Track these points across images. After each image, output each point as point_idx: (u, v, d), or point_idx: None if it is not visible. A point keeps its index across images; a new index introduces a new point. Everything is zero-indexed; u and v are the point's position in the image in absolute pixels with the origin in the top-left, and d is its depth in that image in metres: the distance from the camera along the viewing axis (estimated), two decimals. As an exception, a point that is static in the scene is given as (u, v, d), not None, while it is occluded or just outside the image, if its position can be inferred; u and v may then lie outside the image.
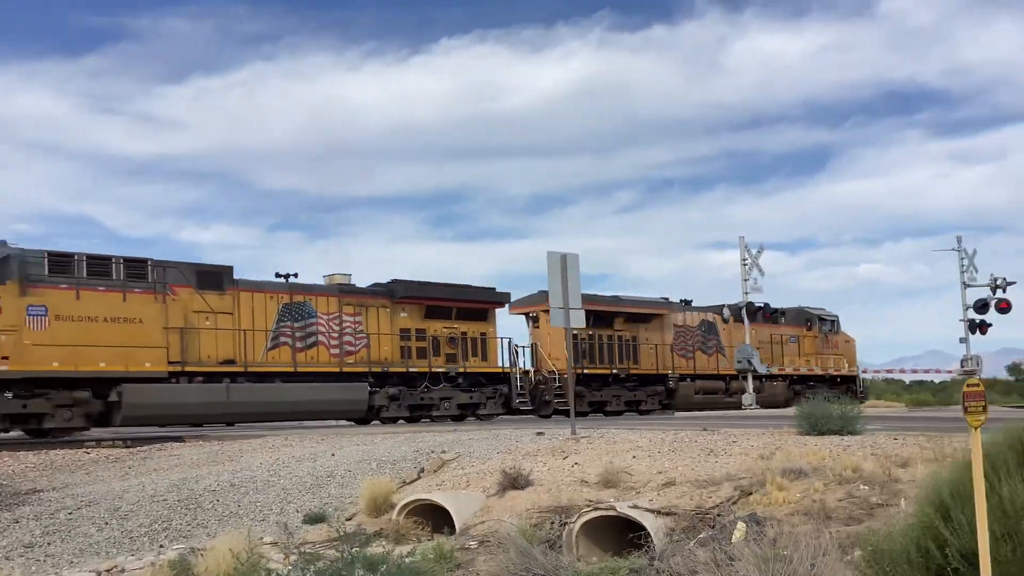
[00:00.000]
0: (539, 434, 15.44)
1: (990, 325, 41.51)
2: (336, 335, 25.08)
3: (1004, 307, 39.25)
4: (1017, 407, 36.84)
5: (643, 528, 8.77)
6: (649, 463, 11.42)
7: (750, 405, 33.09)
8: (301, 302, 24.55)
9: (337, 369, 24.79)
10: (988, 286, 39.68)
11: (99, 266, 20.86)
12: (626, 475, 10.82)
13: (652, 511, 9.16)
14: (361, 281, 26.65)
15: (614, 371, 31.58)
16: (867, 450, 10.78)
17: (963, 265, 40.10)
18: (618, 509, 9.12)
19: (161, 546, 11.07)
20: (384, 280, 26.90)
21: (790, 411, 18.85)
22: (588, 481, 10.88)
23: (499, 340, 28.61)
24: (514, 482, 11.01)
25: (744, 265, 35.02)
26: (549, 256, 15.89)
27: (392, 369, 25.67)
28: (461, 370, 26.98)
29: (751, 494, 9.25)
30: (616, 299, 32.49)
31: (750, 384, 34.05)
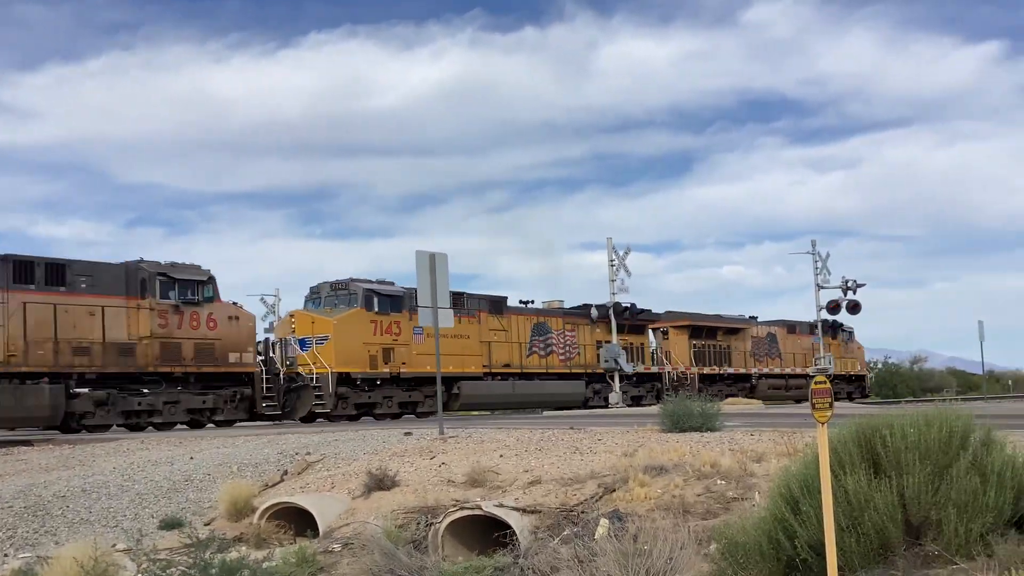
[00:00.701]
0: (407, 434, 15.34)
1: (841, 325, 43.52)
2: (563, 346, 34.09)
3: (854, 308, 41.20)
4: (871, 403, 38.71)
5: (509, 526, 8.81)
6: (516, 462, 11.48)
7: (616, 404, 33.69)
8: (543, 322, 33.53)
9: (566, 370, 33.83)
10: (840, 288, 41.57)
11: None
12: (493, 474, 10.85)
13: (518, 509, 9.22)
14: (570, 301, 36.23)
15: (719, 371, 40.40)
16: (725, 446, 11.11)
17: (817, 268, 41.90)
18: (484, 508, 9.14)
19: (5, 555, 10.51)
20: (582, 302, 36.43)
21: (654, 409, 19.30)
22: (455, 481, 10.86)
23: (651, 347, 39.09)
24: (380, 483, 10.90)
25: (612, 266, 35.68)
26: (418, 255, 15.81)
27: (594, 371, 34.77)
28: (635, 370, 35.97)
29: (614, 491, 9.41)
30: (718, 317, 42.26)
31: (616, 384, 34.69)
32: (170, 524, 11.12)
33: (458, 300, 28.27)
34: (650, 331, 38.93)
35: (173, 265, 23.47)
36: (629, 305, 36.11)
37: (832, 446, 6.26)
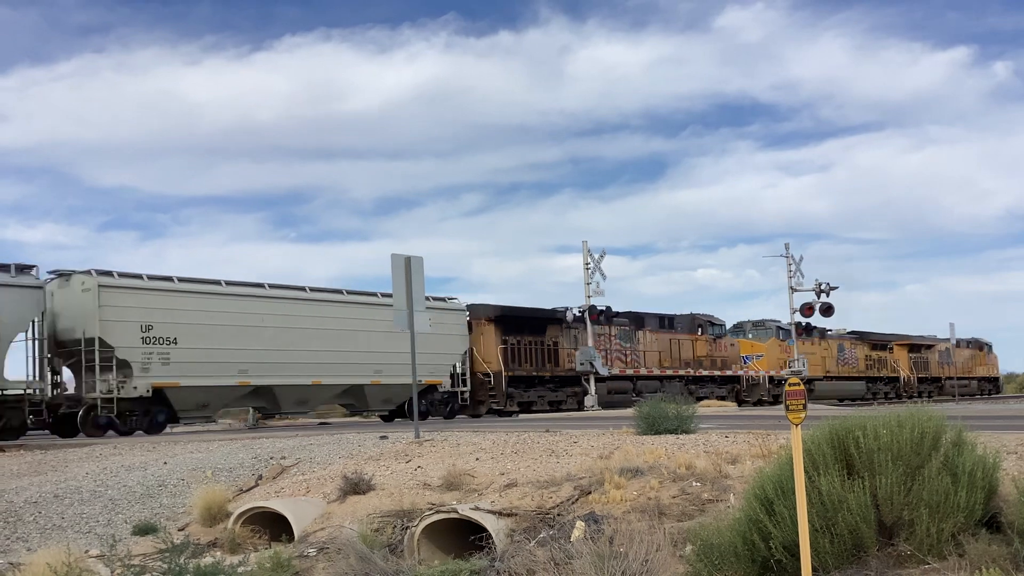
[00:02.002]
0: (383, 438, 15.30)
1: (815, 327, 43.76)
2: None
3: (827, 310, 41.43)
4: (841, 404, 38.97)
5: (485, 530, 8.80)
6: (492, 465, 11.48)
7: (592, 407, 33.74)
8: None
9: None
10: (813, 290, 41.80)
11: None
12: (469, 477, 10.84)
13: (494, 512, 9.21)
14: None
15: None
16: (700, 448, 11.16)
17: (791, 270, 42.10)
18: (460, 511, 9.13)
19: (-25, 563, 10.38)
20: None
21: (629, 412, 19.36)
22: (431, 484, 10.85)
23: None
24: (356, 487, 10.86)
25: (587, 269, 35.72)
26: (393, 258, 15.77)
27: None
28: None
29: (590, 493, 9.43)
30: (893, 335, 54.20)
31: (592, 386, 34.75)
32: (144, 530, 11.02)
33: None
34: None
35: (710, 315, 43.00)
36: (604, 308, 36.19)
37: (806, 447, 6.31)
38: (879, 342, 53.06)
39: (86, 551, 9.61)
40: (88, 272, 22.96)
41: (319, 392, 27.73)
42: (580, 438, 13.23)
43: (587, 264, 35.74)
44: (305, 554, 9.35)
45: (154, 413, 23.78)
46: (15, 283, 21.75)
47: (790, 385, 6.00)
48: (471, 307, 32.77)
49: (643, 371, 38.06)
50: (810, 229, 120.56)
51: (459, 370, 31.48)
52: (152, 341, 23.45)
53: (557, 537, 8.17)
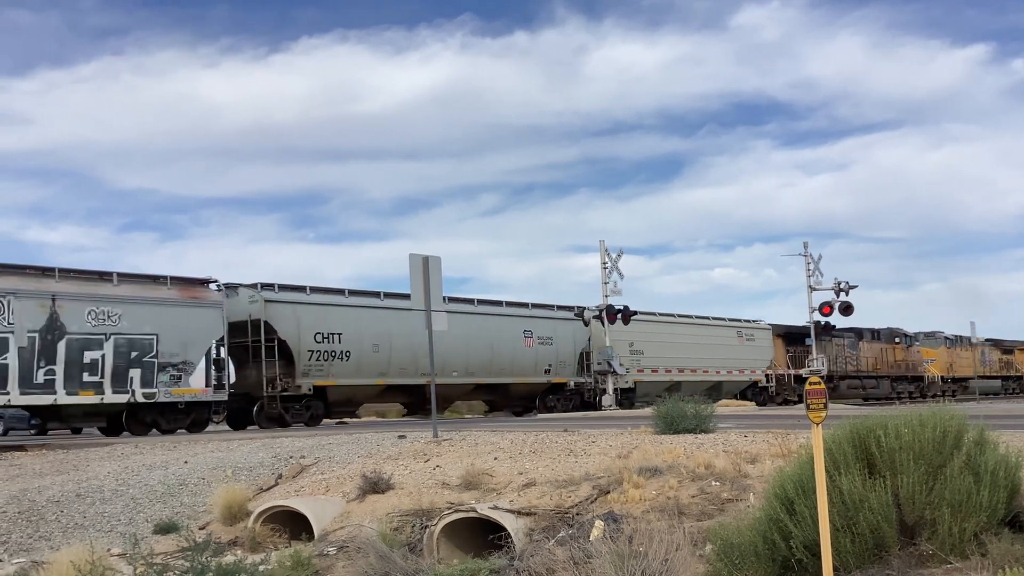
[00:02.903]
0: (401, 437, 15.34)
1: (835, 327, 43.56)
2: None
3: (846, 309, 41.23)
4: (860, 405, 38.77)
5: (504, 529, 8.81)
6: (510, 464, 11.49)
7: (610, 406, 33.70)
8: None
9: None
10: (832, 289, 41.59)
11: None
12: (487, 477, 10.85)
13: (512, 512, 9.22)
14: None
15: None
16: (719, 447, 11.13)
17: (809, 269, 41.92)
18: (479, 511, 9.14)
19: (0, 560, 10.47)
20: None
21: (647, 411, 19.34)
22: (450, 483, 10.86)
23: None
24: (375, 486, 10.89)
25: (604, 268, 35.68)
26: (411, 258, 15.81)
27: None
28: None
29: (609, 493, 9.42)
30: (1017, 342, 62.07)
31: (610, 385, 34.70)
32: (165, 528, 11.09)
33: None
34: None
35: (902, 328, 50.87)
36: (622, 308, 36.15)
37: (827, 447, 6.29)
38: (1007, 347, 63.32)
39: (108, 550, 9.68)
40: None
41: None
42: (598, 437, 13.22)
43: (604, 264, 35.71)
44: (325, 553, 9.39)
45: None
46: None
47: (810, 384, 5.98)
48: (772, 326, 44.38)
49: (864, 372, 48.32)
50: (828, 228, 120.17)
51: (768, 371, 42.90)
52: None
53: (576, 536, 8.16)
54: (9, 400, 21.22)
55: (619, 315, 35.69)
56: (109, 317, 22.69)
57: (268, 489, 12.38)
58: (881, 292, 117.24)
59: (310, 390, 26.97)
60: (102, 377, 22.50)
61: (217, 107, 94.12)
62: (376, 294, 30.00)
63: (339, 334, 27.78)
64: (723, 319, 41.64)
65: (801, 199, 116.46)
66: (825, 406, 5.93)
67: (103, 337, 22.58)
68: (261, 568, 7.61)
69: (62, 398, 21.90)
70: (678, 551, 6.60)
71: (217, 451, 15.68)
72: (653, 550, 6.60)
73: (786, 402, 41.70)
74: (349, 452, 14.13)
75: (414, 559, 8.46)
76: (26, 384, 21.23)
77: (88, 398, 22.36)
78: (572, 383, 35.07)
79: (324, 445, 15.06)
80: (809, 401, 5.94)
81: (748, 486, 8.94)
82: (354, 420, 31.87)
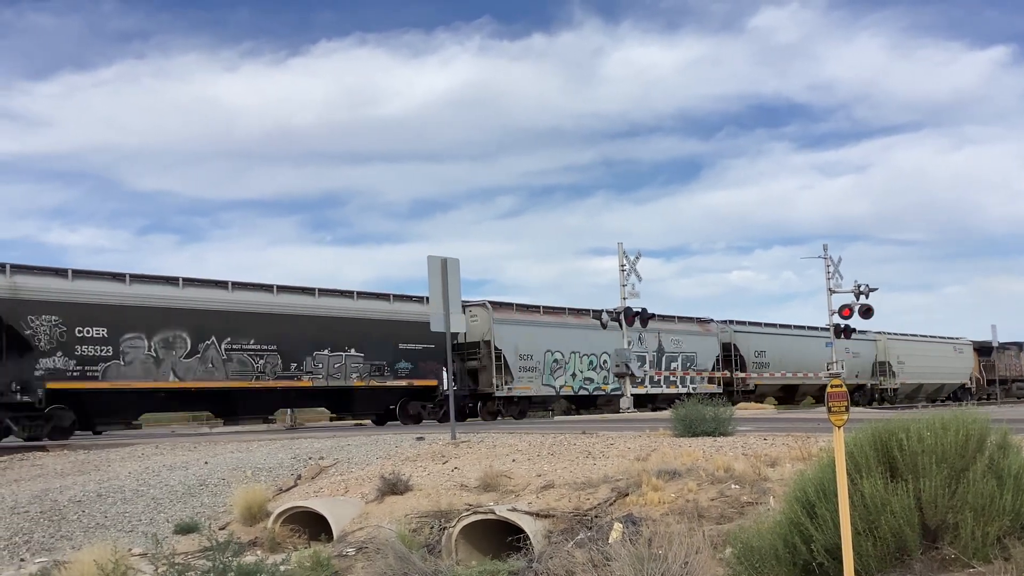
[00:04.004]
0: (419, 439, 15.37)
1: (854, 330, 43.29)
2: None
3: (866, 312, 40.96)
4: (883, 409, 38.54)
5: (522, 531, 8.81)
6: (529, 466, 11.49)
7: (627, 409, 33.62)
8: None
9: None
10: (852, 292, 41.32)
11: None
12: (506, 479, 10.85)
13: (531, 514, 9.22)
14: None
15: None
16: (738, 450, 11.09)
17: (829, 272, 41.67)
18: (497, 512, 9.14)
19: (22, 560, 10.56)
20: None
21: (666, 413, 19.28)
22: (468, 485, 10.87)
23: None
24: (393, 487, 10.91)
25: (623, 271, 35.59)
26: (430, 260, 15.83)
27: None
28: None
29: (628, 495, 9.40)
30: None
31: (627, 388, 34.62)
32: (185, 528, 11.15)
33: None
34: None
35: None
36: (640, 310, 36.04)
37: (848, 450, 6.25)
38: None
39: (129, 549, 9.73)
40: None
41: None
42: (616, 440, 13.20)
43: (623, 266, 35.62)
44: (344, 554, 9.41)
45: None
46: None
47: (832, 387, 5.94)
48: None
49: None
50: (848, 230, 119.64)
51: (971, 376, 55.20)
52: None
53: (595, 539, 8.15)
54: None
55: (637, 317, 35.60)
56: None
57: (287, 490, 12.42)
58: (901, 294, 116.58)
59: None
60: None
61: (237, 110, 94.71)
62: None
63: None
64: (943, 337, 54.74)
65: (820, 201, 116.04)
66: (847, 409, 5.90)
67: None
68: (282, 568, 7.64)
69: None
70: (698, 554, 6.58)
71: (237, 452, 15.76)
72: (673, 553, 6.58)
73: (981, 400, 52.63)
74: (367, 453, 14.17)
75: (433, 560, 8.47)
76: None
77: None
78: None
79: (343, 447, 15.10)
80: (831, 404, 5.91)
81: (768, 489, 8.90)
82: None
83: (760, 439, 12.33)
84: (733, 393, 39.30)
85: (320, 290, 27.74)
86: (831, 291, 41.66)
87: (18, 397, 21.07)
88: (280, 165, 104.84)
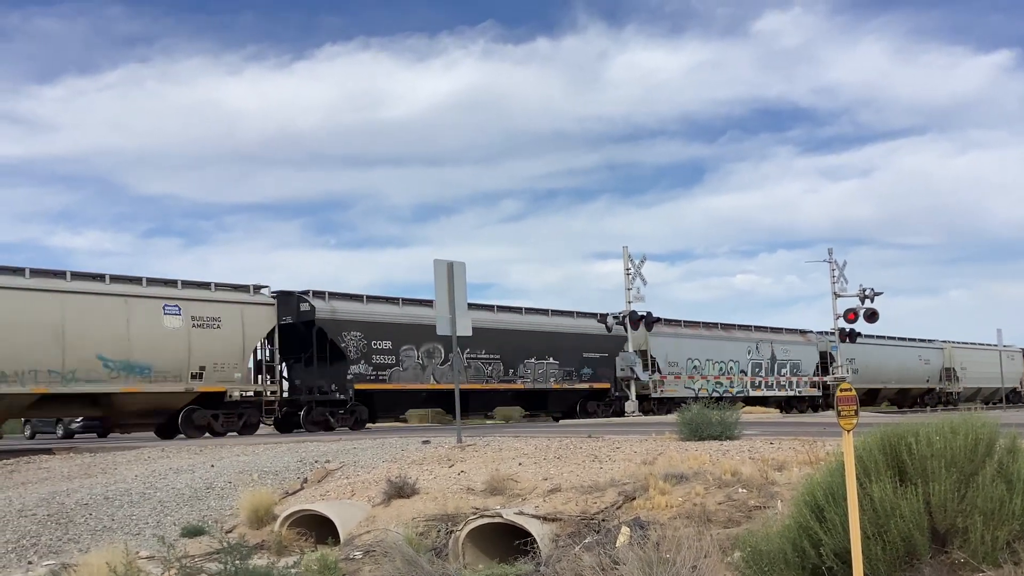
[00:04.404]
0: (425, 442, 15.37)
1: (860, 334, 43.23)
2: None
3: (871, 316, 40.90)
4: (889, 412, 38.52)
5: (529, 534, 8.81)
6: (535, 470, 11.49)
7: (632, 412, 33.61)
8: None
9: None
10: (857, 296, 41.25)
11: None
12: (512, 482, 10.85)
13: (538, 517, 9.22)
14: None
15: None
16: (745, 454, 11.08)
17: (834, 276, 41.61)
18: (504, 516, 9.15)
19: (30, 563, 10.58)
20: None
21: (671, 417, 19.27)
22: (474, 489, 10.88)
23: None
24: (400, 491, 10.92)
25: (628, 275, 35.59)
26: (436, 264, 15.85)
27: None
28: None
29: (635, 499, 9.40)
30: None
31: (633, 391, 34.61)
32: (192, 531, 11.17)
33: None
34: None
35: None
36: (645, 314, 36.05)
37: (857, 454, 6.25)
38: None
39: (137, 552, 9.74)
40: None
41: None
42: (623, 444, 13.19)
43: (628, 270, 35.62)
44: (351, 557, 9.42)
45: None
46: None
47: (841, 391, 5.94)
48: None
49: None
50: (852, 234, 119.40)
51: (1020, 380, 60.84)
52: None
53: (602, 542, 8.15)
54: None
55: (642, 321, 35.60)
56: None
57: (294, 493, 12.43)
58: (906, 299, 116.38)
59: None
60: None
61: (241, 114, 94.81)
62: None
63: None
64: (996, 345, 57.33)
65: (825, 205, 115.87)
66: (856, 413, 5.90)
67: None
68: (292, 572, 7.65)
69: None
70: (706, 558, 6.58)
71: (243, 455, 15.77)
72: (681, 557, 6.58)
73: None
74: (374, 456, 14.18)
75: (440, 564, 8.48)
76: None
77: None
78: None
79: (349, 450, 15.11)
80: (840, 408, 5.91)
81: (776, 493, 8.89)
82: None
83: (766, 443, 12.32)
84: (829, 396, 42.82)
85: (526, 308, 34.09)
86: (836, 295, 41.62)
87: (337, 396, 27.27)
88: (284, 168, 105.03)
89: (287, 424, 27.35)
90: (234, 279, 26.89)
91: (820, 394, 43.91)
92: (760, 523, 7.78)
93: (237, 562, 6.55)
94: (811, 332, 45.76)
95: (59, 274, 22.27)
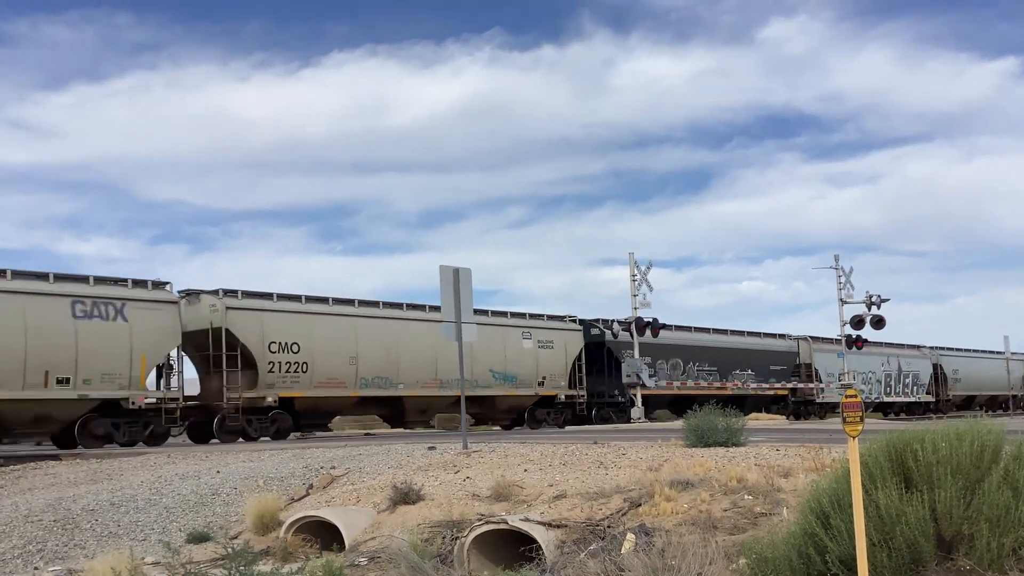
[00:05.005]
0: (431, 448, 15.37)
1: (866, 340, 43.14)
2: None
3: (878, 322, 40.82)
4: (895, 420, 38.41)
5: (535, 541, 8.80)
6: (541, 476, 11.47)
7: (638, 419, 33.57)
8: None
9: None
10: (864, 303, 41.18)
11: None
12: (518, 488, 10.84)
13: (543, 524, 9.20)
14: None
15: None
16: (751, 461, 11.06)
17: (840, 283, 41.55)
18: (509, 522, 9.13)
19: (36, 568, 10.59)
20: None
21: (678, 424, 19.25)
22: (480, 495, 10.86)
23: None
24: (405, 497, 10.91)
25: (634, 281, 35.59)
26: (442, 270, 15.85)
27: None
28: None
29: (640, 505, 9.37)
30: None
31: (639, 398, 34.57)
32: (198, 537, 11.17)
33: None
34: None
35: None
36: (651, 320, 36.04)
37: (863, 460, 6.23)
38: None
39: (143, 558, 9.75)
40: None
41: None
42: (628, 450, 13.18)
43: (634, 276, 35.63)
44: (356, 563, 9.41)
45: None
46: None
47: (847, 397, 5.93)
48: None
49: None
50: (859, 241, 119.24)
51: None
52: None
53: (608, 549, 8.13)
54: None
55: (648, 327, 35.58)
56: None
57: (299, 499, 12.43)
58: (912, 305, 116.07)
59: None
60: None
61: (248, 121, 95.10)
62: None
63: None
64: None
65: (831, 212, 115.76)
66: (861, 419, 5.89)
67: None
68: (297, 577, 7.65)
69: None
70: (712, 565, 6.57)
71: (249, 461, 15.78)
72: (686, 564, 6.57)
73: None
74: (379, 463, 14.17)
75: (445, 570, 8.47)
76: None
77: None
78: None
79: (355, 456, 15.11)
80: (845, 414, 5.90)
81: (781, 500, 8.87)
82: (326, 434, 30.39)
83: (772, 449, 12.29)
84: (939, 402, 52.28)
85: (731, 331, 42.26)
86: (843, 301, 41.59)
87: (618, 398, 36.12)
88: (291, 175, 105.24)
89: (580, 419, 34.80)
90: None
91: (934, 399, 52.24)
92: (766, 530, 7.76)
93: (241, 568, 6.55)
94: (924, 347, 53.01)
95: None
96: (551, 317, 34.78)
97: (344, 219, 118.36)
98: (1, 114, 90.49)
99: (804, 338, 44.97)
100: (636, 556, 7.08)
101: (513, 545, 9.04)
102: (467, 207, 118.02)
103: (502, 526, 9.14)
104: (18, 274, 21.78)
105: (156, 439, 23.71)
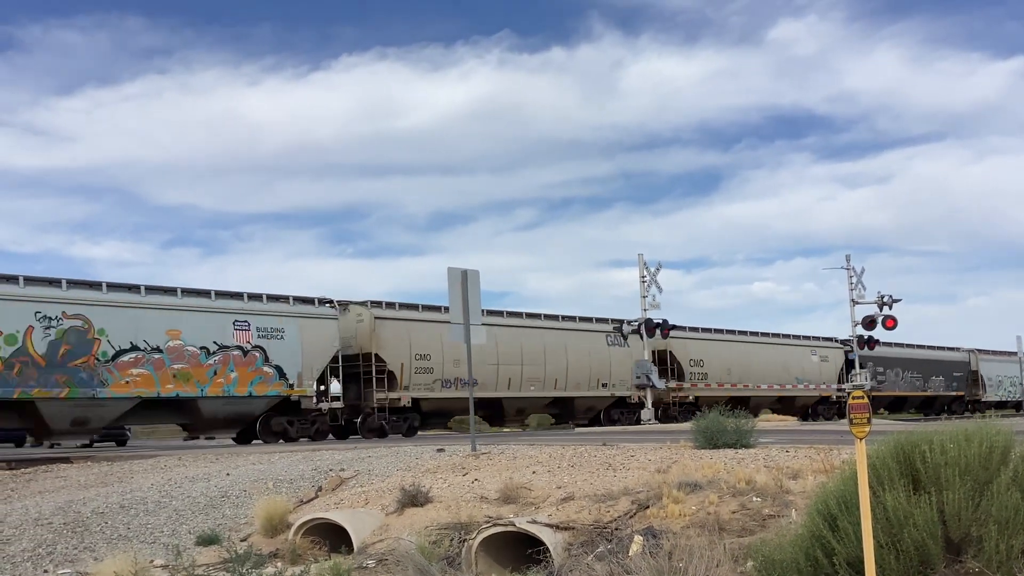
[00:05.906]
0: (439, 451, 15.36)
1: (878, 341, 42.95)
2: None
3: (890, 324, 40.64)
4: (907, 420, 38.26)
5: (542, 543, 8.78)
6: (549, 478, 11.46)
7: (648, 420, 33.50)
8: None
9: None
10: (875, 303, 41.00)
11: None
12: (526, 491, 10.83)
13: (551, 526, 9.19)
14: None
15: None
16: (760, 463, 11.02)
17: (852, 283, 41.39)
18: (517, 525, 9.12)
19: (45, 571, 10.62)
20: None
21: (686, 425, 19.19)
22: (488, 497, 10.86)
23: None
24: (413, 499, 10.91)
25: (643, 282, 35.52)
26: (450, 272, 15.86)
27: None
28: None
29: (648, 507, 9.35)
30: None
31: (649, 399, 34.51)
32: (207, 540, 11.18)
33: None
34: None
35: None
36: (660, 321, 35.95)
37: (870, 462, 6.20)
38: None
39: (151, 561, 9.78)
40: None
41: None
42: (637, 452, 13.14)
43: (643, 277, 35.55)
44: (364, 565, 9.42)
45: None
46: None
47: (854, 398, 5.90)
48: None
49: None
50: (870, 242, 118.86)
51: None
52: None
53: (615, 551, 8.12)
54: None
55: (658, 329, 35.50)
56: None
57: (308, 501, 12.45)
58: (924, 306, 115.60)
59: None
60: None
61: (259, 124, 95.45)
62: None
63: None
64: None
65: (842, 212, 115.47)
66: (869, 421, 5.85)
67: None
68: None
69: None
70: (719, 567, 6.55)
71: (258, 464, 15.80)
72: (693, 566, 6.54)
73: None
74: (388, 465, 14.18)
75: (453, 572, 8.47)
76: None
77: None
78: None
79: (364, 458, 15.12)
80: (852, 416, 5.86)
81: (790, 502, 8.84)
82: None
83: (782, 451, 12.25)
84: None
85: (927, 346, 52.15)
86: (854, 302, 41.41)
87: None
88: (301, 178, 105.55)
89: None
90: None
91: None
92: (774, 532, 7.73)
93: (244, 571, 6.55)
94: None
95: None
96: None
97: (354, 222, 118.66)
98: (14, 119, 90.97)
99: (972, 351, 55.81)
100: (643, 559, 7.06)
101: (521, 547, 9.03)
102: (476, 209, 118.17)
103: (510, 528, 9.14)
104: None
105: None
